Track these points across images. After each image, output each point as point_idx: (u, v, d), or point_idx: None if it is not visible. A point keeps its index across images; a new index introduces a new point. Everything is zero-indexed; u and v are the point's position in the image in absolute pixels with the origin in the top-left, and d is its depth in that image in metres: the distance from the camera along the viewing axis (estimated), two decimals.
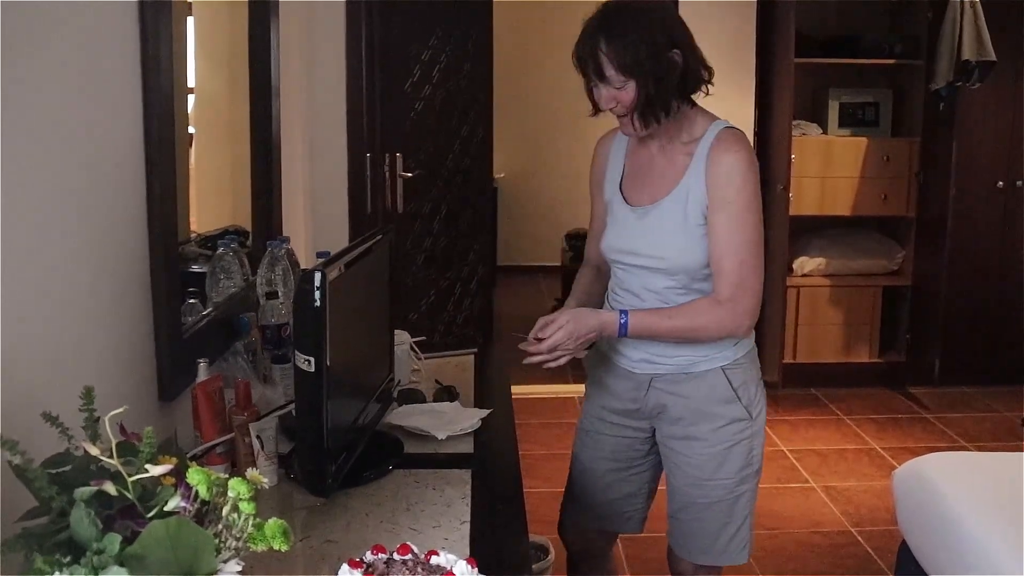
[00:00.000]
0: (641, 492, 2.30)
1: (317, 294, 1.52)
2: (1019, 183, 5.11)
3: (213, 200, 2.65)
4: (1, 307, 1.18)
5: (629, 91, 1.93)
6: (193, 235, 2.34)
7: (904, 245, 5.37)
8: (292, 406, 1.80)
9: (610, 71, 1.92)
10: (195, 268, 2.22)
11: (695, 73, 1.99)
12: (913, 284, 5.31)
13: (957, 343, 5.17)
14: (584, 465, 2.30)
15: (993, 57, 4.71)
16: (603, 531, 2.37)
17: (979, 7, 4.71)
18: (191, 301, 2.01)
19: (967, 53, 4.70)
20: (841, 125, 5.29)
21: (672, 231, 2.02)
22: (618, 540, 2.81)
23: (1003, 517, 2.50)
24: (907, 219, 5.32)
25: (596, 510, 2.30)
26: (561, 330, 1.96)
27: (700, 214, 1.99)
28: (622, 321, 1.99)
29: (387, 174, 4.32)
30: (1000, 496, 2.62)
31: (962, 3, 4.71)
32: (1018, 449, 4.24)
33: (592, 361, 2.27)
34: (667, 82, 1.93)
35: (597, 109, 2.04)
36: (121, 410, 1.07)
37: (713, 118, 2.06)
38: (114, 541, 0.97)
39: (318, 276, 1.52)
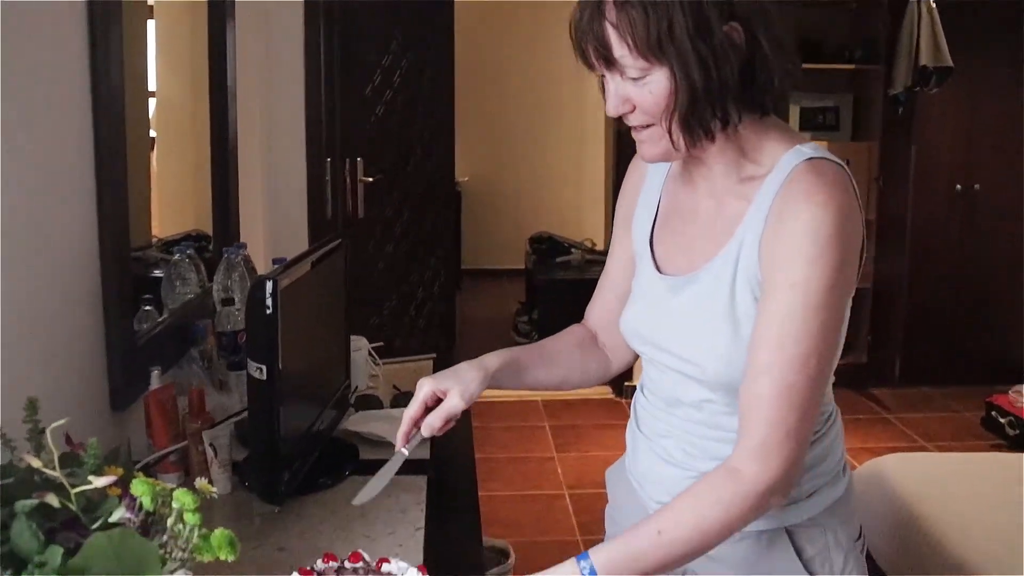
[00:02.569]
0: None
1: (269, 302, 1.51)
2: (976, 187, 5.19)
3: (175, 204, 2.63)
4: None
5: (655, 85, 1.19)
6: (155, 240, 2.32)
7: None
8: (246, 413, 1.79)
9: (622, 51, 1.19)
10: (157, 273, 2.20)
11: (771, 62, 1.23)
12: (874, 286, 5.37)
13: (917, 344, 5.26)
14: None
15: (950, 63, 4.79)
16: None
17: (936, 14, 4.79)
18: (146, 308, 1.99)
19: (924, 59, 4.78)
20: (802, 129, 5.34)
21: (711, 323, 1.30)
22: None
23: (960, 517, 2.53)
24: (867, 222, 5.34)
25: None
26: None
27: (752, 298, 1.27)
28: (582, 565, 1.18)
29: (347, 179, 4.31)
30: (957, 496, 2.66)
31: (919, 10, 4.78)
32: (977, 449, 4.32)
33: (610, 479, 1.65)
34: (722, 72, 1.18)
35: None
36: (62, 422, 1.06)
37: (796, 139, 1.31)
38: (56, 553, 0.96)
39: (269, 284, 1.51)
